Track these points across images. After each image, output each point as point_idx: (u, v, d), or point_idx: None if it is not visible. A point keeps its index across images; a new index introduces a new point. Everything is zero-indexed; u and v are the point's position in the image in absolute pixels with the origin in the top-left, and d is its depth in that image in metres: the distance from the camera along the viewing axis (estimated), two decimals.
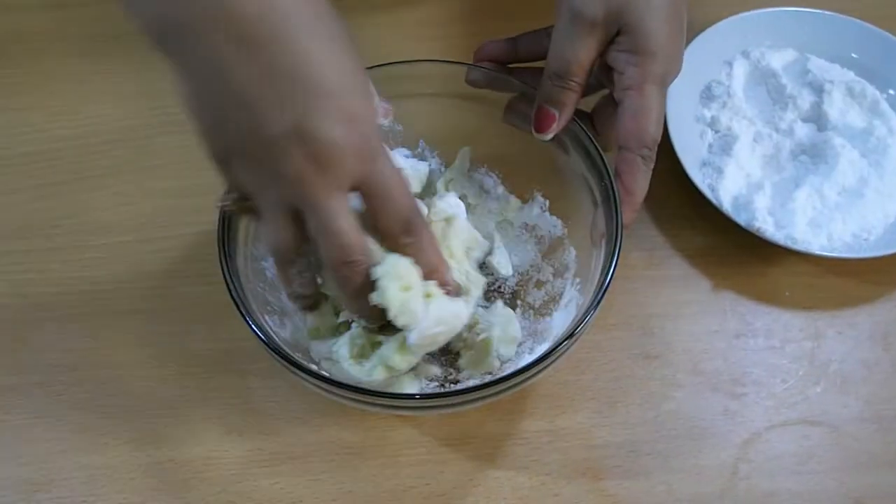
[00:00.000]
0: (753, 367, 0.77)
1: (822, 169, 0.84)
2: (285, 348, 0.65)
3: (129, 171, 0.88)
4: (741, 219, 0.80)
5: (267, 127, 0.54)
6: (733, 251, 0.83)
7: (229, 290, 0.65)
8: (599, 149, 0.72)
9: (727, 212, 0.81)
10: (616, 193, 0.70)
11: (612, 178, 0.70)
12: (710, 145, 0.87)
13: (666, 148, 0.78)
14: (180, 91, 0.56)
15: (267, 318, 0.69)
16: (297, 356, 0.65)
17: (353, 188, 0.58)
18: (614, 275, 0.65)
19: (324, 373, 0.66)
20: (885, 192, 0.82)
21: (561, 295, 0.75)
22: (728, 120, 0.88)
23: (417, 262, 0.62)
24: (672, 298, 0.80)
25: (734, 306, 0.80)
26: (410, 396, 0.67)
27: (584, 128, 0.73)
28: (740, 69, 0.91)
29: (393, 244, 0.61)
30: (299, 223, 0.58)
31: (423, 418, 0.74)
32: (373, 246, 0.62)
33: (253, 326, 0.65)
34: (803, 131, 0.88)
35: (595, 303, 0.64)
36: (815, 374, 0.76)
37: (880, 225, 0.82)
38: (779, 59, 0.92)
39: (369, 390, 0.64)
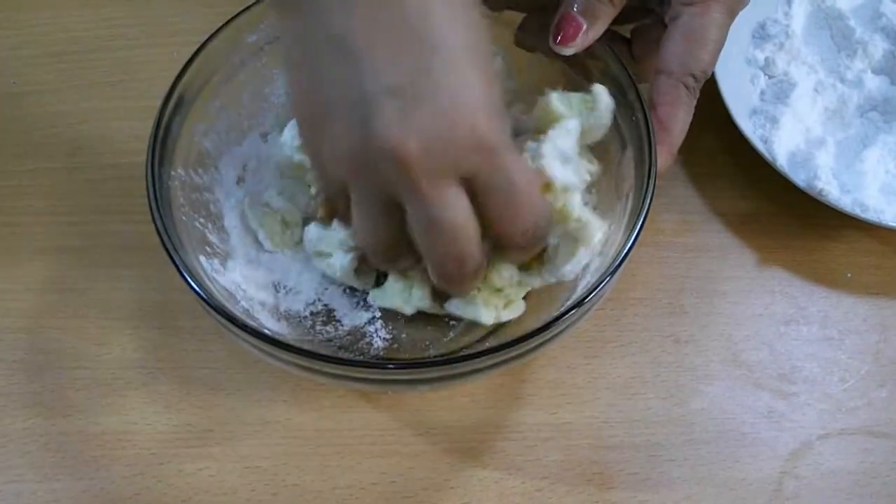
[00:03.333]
0: (805, 361, 0.69)
1: None
2: (223, 300, 0.57)
3: (69, 88, 0.81)
4: (800, 178, 0.72)
5: (369, 80, 0.47)
6: (785, 220, 0.75)
7: (154, 223, 0.57)
8: (634, 79, 0.63)
9: (783, 169, 0.72)
10: (651, 135, 0.60)
11: (648, 115, 0.61)
12: (763, 92, 0.78)
13: (709, 91, 0.69)
14: (282, 52, 0.52)
15: (204, 260, 0.61)
16: (239, 314, 0.57)
17: (464, 179, 0.49)
18: (639, 237, 0.57)
19: (270, 333, 0.58)
20: None
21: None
22: (785, 64, 0.79)
23: None
24: (709, 272, 0.73)
25: (784, 286, 0.72)
26: (379, 365, 0.59)
27: (616, 53, 0.64)
28: (801, 8, 0.83)
29: (510, 252, 0.55)
30: (398, 216, 0.51)
31: (391, 398, 0.67)
32: None
33: (181, 269, 0.56)
34: (874, 83, 0.79)
35: (613, 269, 0.56)
36: (881, 373, 0.69)
37: None
38: (847, 0, 0.84)
39: (326, 355, 0.56)
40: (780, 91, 0.78)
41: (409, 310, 0.60)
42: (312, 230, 0.62)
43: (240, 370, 0.67)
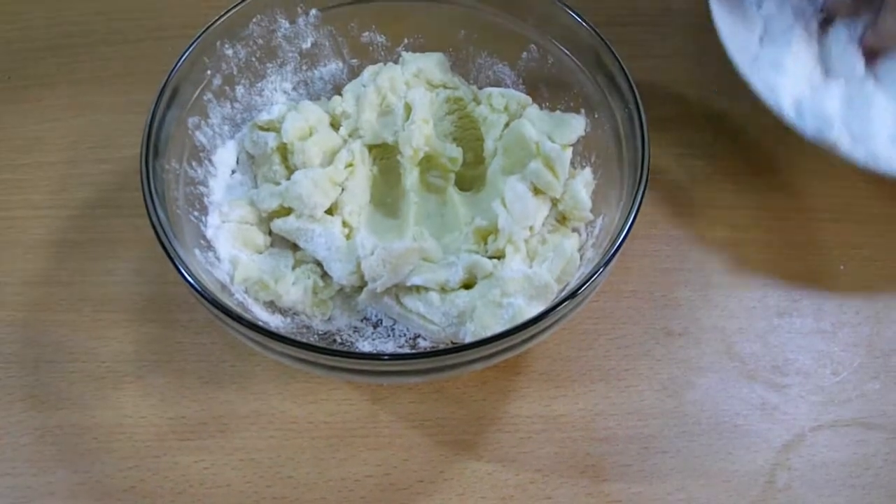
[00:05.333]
0: (798, 353, 0.69)
1: None
2: (219, 294, 0.56)
3: (66, 82, 0.81)
4: (808, 129, 0.67)
5: None
6: (779, 212, 0.75)
7: (149, 216, 0.57)
8: (627, 72, 0.62)
9: (790, 119, 0.68)
10: (643, 128, 0.60)
11: (640, 108, 0.61)
12: (761, 38, 0.73)
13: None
14: None
15: (199, 253, 0.61)
16: (234, 306, 0.57)
17: None
18: (632, 229, 0.57)
19: (265, 325, 0.58)
20: None
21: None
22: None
23: None
24: (702, 265, 0.72)
25: (777, 279, 0.72)
26: (372, 357, 0.57)
27: (608, 43, 0.64)
28: None
29: None
30: None
31: (385, 391, 0.66)
32: None
33: (176, 262, 0.55)
34: None
35: (606, 260, 0.56)
36: (874, 366, 0.68)
37: None
38: None
39: (320, 347, 0.56)
40: (781, 30, 0.73)
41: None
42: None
43: (234, 363, 0.66)
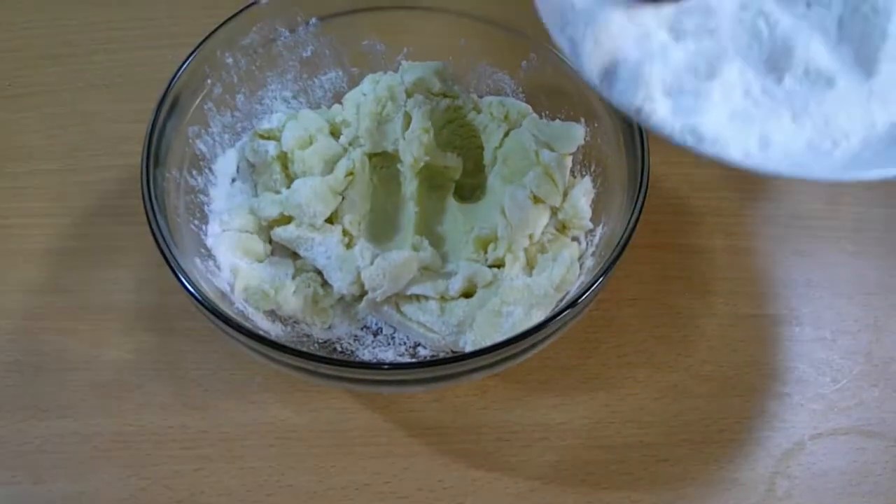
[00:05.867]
0: (798, 361, 0.68)
1: None
2: (219, 303, 0.56)
3: (66, 91, 0.81)
4: (614, 93, 0.49)
5: None
6: (778, 220, 0.75)
7: (150, 225, 0.57)
8: None
9: (590, 79, 0.50)
10: (643, 137, 0.60)
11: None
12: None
13: None
14: None
15: (199, 262, 0.61)
16: (234, 314, 0.57)
17: None
18: (632, 237, 0.57)
19: (265, 334, 0.58)
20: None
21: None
22: None
23: None
24: (702, 273, 0.72)
25: (777, 287, 0.72)
26: (372, 366, 0.58)
27: None
28: None
29: None
30: None
31: (385, 399, 0.66)
32: None
33: (176, 270, 0.55)
34: None
35: (606, 268, 0.56)
36: (873, 374, 0.68)
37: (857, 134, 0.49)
38: None
39: (320, 356, 0.56)
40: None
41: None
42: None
43: (234, 372, 0.66)
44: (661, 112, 0.49)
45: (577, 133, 0.66)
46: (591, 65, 0.50)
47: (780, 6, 0.54)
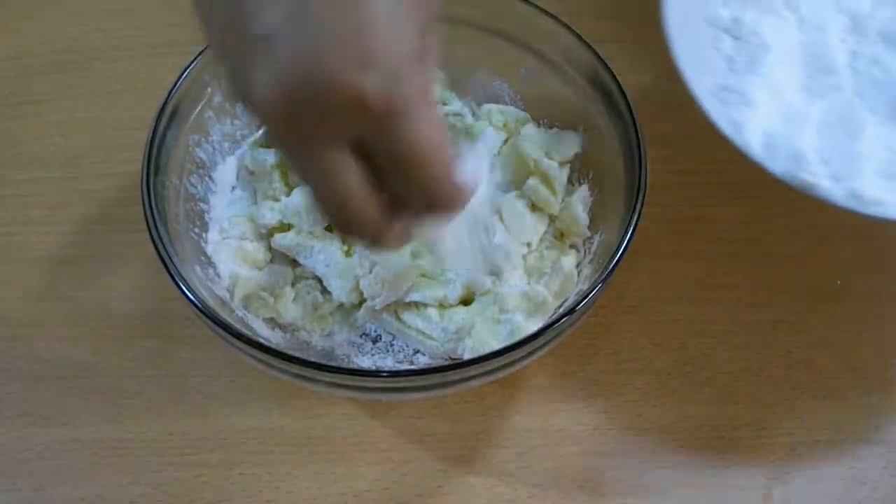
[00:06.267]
0: (795, 368, 0.68)
1: None
2: (218, 310, 0.57)
3: (66, 98, 0.81)
4: (778, 166, 0.59)
5: (250, 24, 0.41)
6: (778, 223, 0.74)
7: (150, 232, 0.57)
8: (623, 87, 0.63)
9: (757, 157, 0.60)
10: (640, 143, 0.61)
11: (636, 122, 0.61)
12: (731, 59, 0.67)
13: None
14: None
15: (199, 270, 0.61)
16: (234, 322, 0.57)
17: (358, 145, 0.43)
18: (630, 245, 0.57)
19: (265, 342, 0.58)
20: None
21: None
22: (754, 21, 0.67)
23: None
24: (700, 280, 0.72)
25: (775, 293, 0.71)
26: (371, 373, 0.58)
27: (604, 60, 0.64)
28: None
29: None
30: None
31: (384, 406, 0.66)
32: None
33: (176, 278, 0.56)
34: (886, 13, 0.64)
35: (604, 276, 0.56)
36: (870, 380, 0.68)
37: None
38: None
39: (320, 363, 0.55)
40: (752, 57, 0.66)
41: None
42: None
43: (234, 378, 0.66)
44: (823, 182, 0.57)
45: (575, 141, 0.66)
46: (753, 142, 0.60)
47: (889, 48, 0.63)
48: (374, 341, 0.64)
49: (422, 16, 0.43)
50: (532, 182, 0.64)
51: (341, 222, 0.46)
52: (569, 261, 0.63)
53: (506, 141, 0.68)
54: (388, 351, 0.64)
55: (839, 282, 0.72)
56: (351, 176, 0.43)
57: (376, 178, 0.44)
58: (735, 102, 0.63)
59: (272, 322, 0.63)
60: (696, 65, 0.62)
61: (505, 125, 0.69)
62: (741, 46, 0.67)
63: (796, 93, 0.64)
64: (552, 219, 0.65)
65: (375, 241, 0.48)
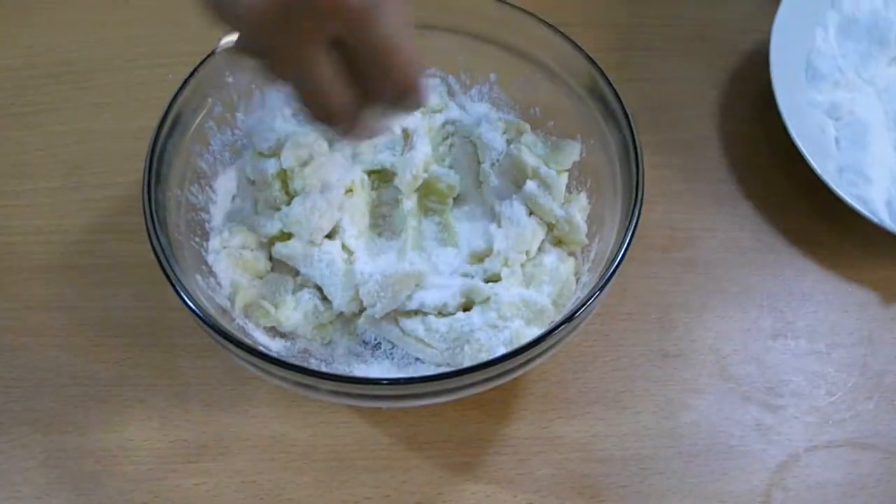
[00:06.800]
0: (793, 374, 0.69)
1: None
2: (219, 319, 0.57)
3: (66, 109, 0.81)
4: None
5: None
6: (772, 234, 0.75)
7: (151, 242, 0.57)
8: (621, 95, 0.63)
9: (886, 225, 0.70)
10: (637, 151, 0.61)
11: (634, 130, 0.61)
12: (837, 140, 0.76)
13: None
14: None
15: (200, 279, 0.61)
16: (234, 331, 0.57)
17: (333, 43, 0.49)
18: (628, 253, 0.57)
19: (265, 350, 0.58)
20: None
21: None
22: (849, 102, 0.77)
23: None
24: (698, 287, 0.72)
25: (772, 301, 0.72)
26: (372, 381, 0.57)
27: (602, 70, 0.64)
28: (834, 27, 0.81)
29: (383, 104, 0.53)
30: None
31: (384, 414, 0.66)
32: None
33: (178, 288, 0.56)
34: None
35: (602, 284, 0.56)
36: (868, 386, 0.68)
37: None
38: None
39: (321, 372, 0.57)
40: (855, 135, 0.75)
41: None
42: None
43: (235, 386, 0.66)
44: None
45: (573, 149, 0.66)
46: (880, 212, 0.70)
47: None
48: (375, 349, 0.64)
49: None
50: (531, 187, 0.64)
51: (319, 109, 0.52)
52: (567, 268, 0.63)
53: (508, 145, 0.68)
54: (388, 358, 0.64)
55: (836, 289, 0.72)
56: (328, 69, 0.50)
57: (349, 75, 0.51)
58: (858, 182, 0.72)
59: (273, 331, 0.63)
60: (814, 150, 0.71)
61: (504, 133, 0.69)
62: (842, 126, 0.76)
63: (893, 157, 0.75)
64: (550, 227, 0.65)
65: (348, 129, 0.54)
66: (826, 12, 0.80)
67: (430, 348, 0.62)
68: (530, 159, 0.66)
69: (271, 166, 0.65)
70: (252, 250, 0.65)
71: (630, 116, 0.62)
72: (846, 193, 0.70)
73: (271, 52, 0.49)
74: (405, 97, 0.52)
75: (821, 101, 0.77)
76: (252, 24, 0.47)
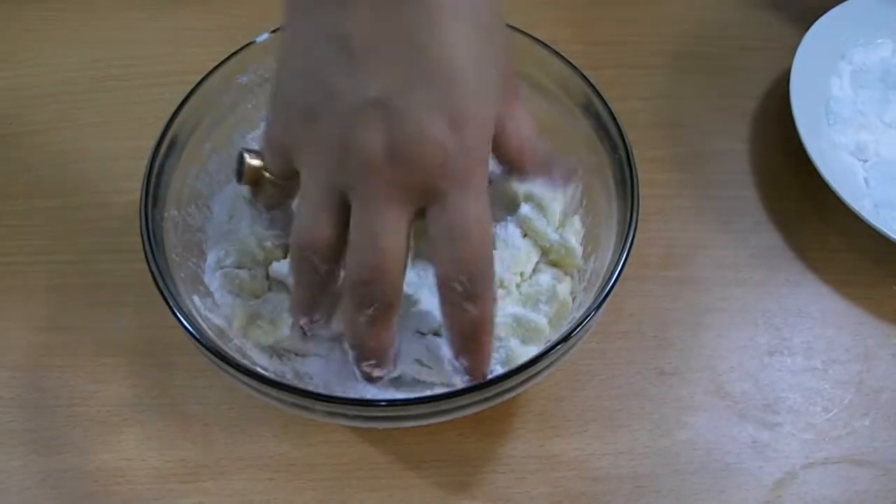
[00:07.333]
0: (789, 391, 0.68)
1: None
2: (217, 340, 0.57)
3: (64, 129, 0.81)
4: None
5: (357, 90, 0.47)
6: (766, 251, 0.75)
7: (148, 264, 0.57)
8: (617, 118, 0.63)
9: None
10: (633, 169, 0.61)
11: (629, 151, 0.61)
12: (866, 180, 0.78)
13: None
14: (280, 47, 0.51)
15: (198, 300, 0.61)
16: (231, 352, 0.57)
17: (421, 206, 0.49)
18: (623, 271, 0.57)
19: (263, 372, 0.58)
20: None
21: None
22: (872, 141, 0.80)
23: (464, 337, 0.53)
24: (693, 305, 0.72)
25: (768, 318, 0.72)
26: (368, 403, 0.57)
27: (596, 87, 0.64)
28: (848, 76, 0.84)
29: (445, 298, 0.51)
30: (344, 220, 0.50)
31: (382, 433, 0.66)
32: None
33: (175, 309, 0.56)
34: None
35: (598, 303, 0.56)
36: (864, 403, 0.68)
37: None
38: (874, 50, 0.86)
39: (316, 393, 0.56)
40: (883, 174, 0.78)
41: None
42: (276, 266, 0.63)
43: (233, 406, 0.66)
44: None
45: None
46: None
47: None
48: None
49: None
50: (525, 209, 0.64)
51: (377, 265, 0.49)
52: (563, 288, 0.63)
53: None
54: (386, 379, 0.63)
55: (832, 305, 0.72)
56: (403, 231, 0.49)
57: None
58: (892, 218, 0.74)
59: (271, 350, 0.63)
60: (846, 190, 0.72)
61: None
62: (869, 168, 0.78)
63: None
64: (545, 250, 0.65)
65: (386, 313, 0.51)
66: (837, 63, 0.83)
67: (426, 368, 0.62)
68: (521, 186, 0.65)
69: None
70: (249, 270, 0.65)
71: (625, 136, 0.62)
72: (888, 228, 0.71)
73: (372, 206, 0.48)
74: (475, 284, 0.50)
75: (848, 144, 0.79)
76: (368, 174, 0.48)
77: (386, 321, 0.51)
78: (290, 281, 0.59)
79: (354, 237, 0.49)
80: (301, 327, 0.57)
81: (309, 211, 0.51)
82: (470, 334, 0.52)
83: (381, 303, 0.50)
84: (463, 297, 0.50)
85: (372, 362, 0.54)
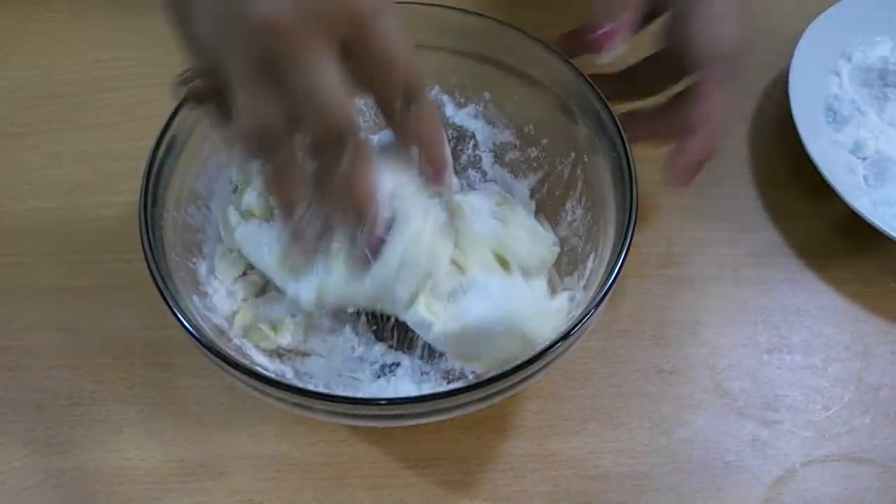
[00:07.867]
0: (789, 389, 0.69)
1: None
2: (216, 340, 0.57)
3: (65, 130, 0.81)
4: None
5: None
6: (766, 249, 0.75)
7: (147, 263, 0.57)
8: (613, 112, 0.63)
9: None
10: (631, 168, 0.61)
11: (628, 149, 0.61)
12: (865, 178, 0.78)
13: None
14: None
15: (197, 300, 0.61)
16: (231, 351, 0.57)
17: (343, 45, 0.49)
18: (622, 269, 0.57)
19: (263, 372, 0.58)
20: None
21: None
22: (871, 139, 0.80)
23: (416, 134, 0.54)
24: (692, 303, 0.72)
25: (767, 316, 0.72)
26: (368, 402, 0.56)
27: (596, 88, 0.64)
28: (847, 74, 0.85)
29: (390, 115, 0.53)
30: (278, 89, 0.49)
31: (383, 432, 0.66)
32: None
33: (174, 309, 0.56)
34: None
35: (597, 301, 0.56)
36: (864, 400, 0.68)
37: None
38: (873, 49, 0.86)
39: (317, 392, 0.56)
40: (880, 171, 0.78)
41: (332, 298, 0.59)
42: (240, 230, 0.64)
43: (232, 405, 0.66)
44: None
45: (552, 251, 0.65)
46: None
47: None
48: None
49: None
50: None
51: (328, 119, 0.50)
52: (559, 305, 0.63)
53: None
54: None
55: (831, 303, 0.72)
56: (339, 76, 0.49)
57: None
58: (891, 215, 0.74)
59: (271, 350, 0.63)
60: (846, 188, 0.72)
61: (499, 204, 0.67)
62: (869, 165, 0.78)
63: None
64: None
65: (345, 143, 0.51)
66: (836, 61, 0.84)
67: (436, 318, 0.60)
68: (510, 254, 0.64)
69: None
70: (249, 270, 0.65)
71: (623, 134, 0.62)
72: (887, 226, 0.71)
73: (286, 62, 0.48)
74: (408, 92, 0.52)
75: (846, 142, 0.80)
76: (267, 34, 0.47)
77: (363, 160, 0.52)
78: (261, 182, 0.60)
79: (297, 99, 0.49)
80: (295, 234, 0.56)
81: (245, 97, 0.51)
82: (421, 131, 0.54)
83: (349, 145, 0.51)
84: (405, 104, 0.52)
85: (371, 226, 0.54)
